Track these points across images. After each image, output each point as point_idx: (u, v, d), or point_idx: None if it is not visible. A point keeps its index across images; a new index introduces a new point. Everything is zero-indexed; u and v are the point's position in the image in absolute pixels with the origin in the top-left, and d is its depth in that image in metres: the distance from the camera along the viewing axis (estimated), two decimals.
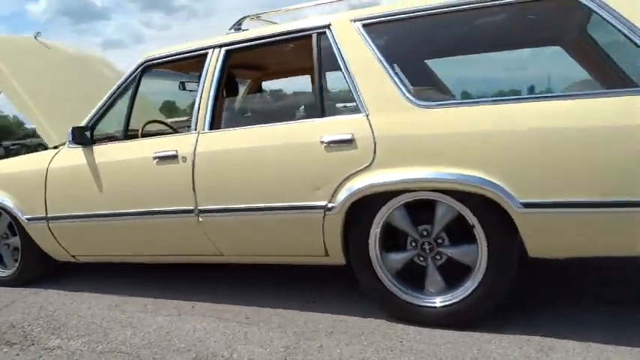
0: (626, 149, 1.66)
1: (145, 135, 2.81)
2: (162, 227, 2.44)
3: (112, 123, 2.88)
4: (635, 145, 1.64)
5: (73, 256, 2.83)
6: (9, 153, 16.78)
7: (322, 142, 2.05)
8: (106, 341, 2.10)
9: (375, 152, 1.97)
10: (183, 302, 2.48)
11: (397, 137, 1.96)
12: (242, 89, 3.76)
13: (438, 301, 2.00)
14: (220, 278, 2.77)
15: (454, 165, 1.85)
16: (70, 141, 2.64)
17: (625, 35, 1.74)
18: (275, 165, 2.17)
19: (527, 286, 2.28)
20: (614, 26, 1.75)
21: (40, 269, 3.03)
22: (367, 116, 2.02)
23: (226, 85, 2.83)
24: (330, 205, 2.04)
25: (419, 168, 1.90)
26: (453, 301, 1.97)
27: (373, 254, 2.08)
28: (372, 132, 1.99)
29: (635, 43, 1.72)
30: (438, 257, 2.01)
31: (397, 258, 2.08)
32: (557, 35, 2.20)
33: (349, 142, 2.01)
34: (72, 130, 2.60)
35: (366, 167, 1.98)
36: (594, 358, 1.71)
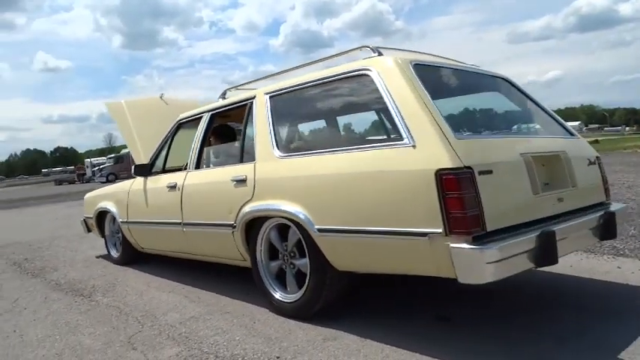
0: (382, 189, 2.20)
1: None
2: (170, 233, 3.67)
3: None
4: (385, 186, 2.18)
5: (142, 248, 4.29)
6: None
7: (232, 181, 3.00)
8: (121, 301, 3.39)
9: (254, 189, 2.84)
10: (187, 287, 3.62)
11: (264, 179, 2.79)
12: None
13: (277, 296, 2.77)
14: (221, 276, 3.85)
15: (285, 199, 2.61)
16: (133, 173, 4.10)
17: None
18: (211, 195, 3.20)
19: (379, 299, 2.81)
20: (386, 104, 2.31)
21: (132, 255, 4.56)
22: (255, 164, 2.90)
23: (222, 134, 3.94)
24: (234, 224, 2.97)
25: (270, 201, 2.71)
26: (289, 300, 2.72)
27: (260, 261, 2.93)
28: (255, 175, 2.86)
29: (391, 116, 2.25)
30: (292, 266, 2.76)
31: (273, 265, 2.88)
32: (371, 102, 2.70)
33: (243, 181, 2.92)
34: (134, 166, 4.05)
35: (250, 199, 2.85)
36: (353, 347, 2.27)
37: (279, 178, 2.71)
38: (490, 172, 2.08)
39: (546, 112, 3.06)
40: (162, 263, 4.38)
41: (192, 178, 3.45)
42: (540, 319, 2.48)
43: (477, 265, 1.90)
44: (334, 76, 2.63)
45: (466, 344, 2.24)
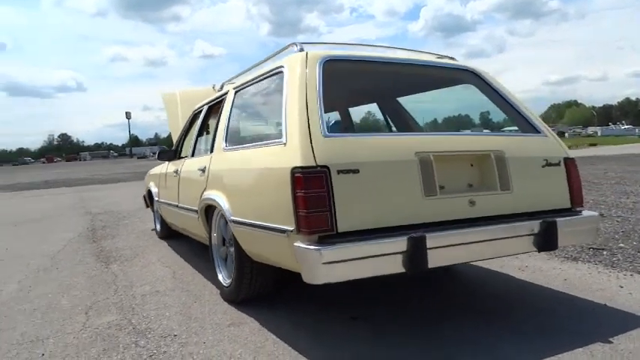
0: (259, 185, 2.29)
1: None
2: (173, 212, 4.07)
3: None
4: (261, 182, 2.27)
5: (169, 223, 4.78)
6: None
7: (198, 170, 3.25)
8: (124, 270, 3.88)
9: (207, 179, 3.05)
10: (185, 264, 4.01)
11: (213, 170, 2.99)
12: None
13: (219, 278, 3.01)
14: None
15: (220, 190, 2.79)
16: (157, 158, 4.57)
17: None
18: (189, 181, 3.50)
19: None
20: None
21: (168, 230, 5.08)
22: (212, 155, 3.11)
23: None
24: (197, 209, 3.23)
25: (213, 191, 2.90)
26: (225, 284, 2.91)
27: (214, 244, 3.14)
28: (209, 165, 3.07)
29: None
30: (230, 253, 2.93)
31: (222, 250, 3.08)
32: None
33: (203, 171, 3.15)
34: (158, 152, 4.51)
35: (205, 188, 3.08)
36: (245, 335, 2.38)
37: (220, 170, 2.89)
38: (356, 171, 2.02)
39: (513, 107, 2.78)
40: (189, 241, 4.83)
41: (186, 165, 3.79)
42: (457, 327, 2.34)
43: (314, 265, 1.90)
44: (265, 73, 2.72)
45: (355, 342, 2.22)
